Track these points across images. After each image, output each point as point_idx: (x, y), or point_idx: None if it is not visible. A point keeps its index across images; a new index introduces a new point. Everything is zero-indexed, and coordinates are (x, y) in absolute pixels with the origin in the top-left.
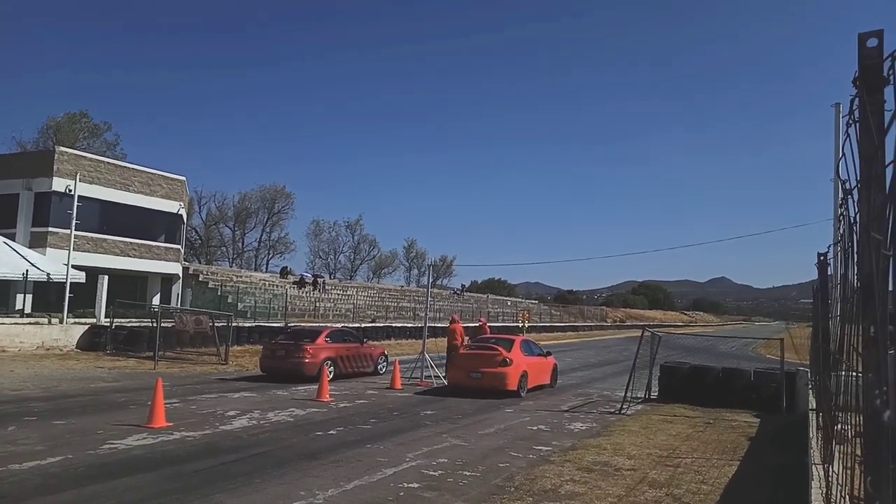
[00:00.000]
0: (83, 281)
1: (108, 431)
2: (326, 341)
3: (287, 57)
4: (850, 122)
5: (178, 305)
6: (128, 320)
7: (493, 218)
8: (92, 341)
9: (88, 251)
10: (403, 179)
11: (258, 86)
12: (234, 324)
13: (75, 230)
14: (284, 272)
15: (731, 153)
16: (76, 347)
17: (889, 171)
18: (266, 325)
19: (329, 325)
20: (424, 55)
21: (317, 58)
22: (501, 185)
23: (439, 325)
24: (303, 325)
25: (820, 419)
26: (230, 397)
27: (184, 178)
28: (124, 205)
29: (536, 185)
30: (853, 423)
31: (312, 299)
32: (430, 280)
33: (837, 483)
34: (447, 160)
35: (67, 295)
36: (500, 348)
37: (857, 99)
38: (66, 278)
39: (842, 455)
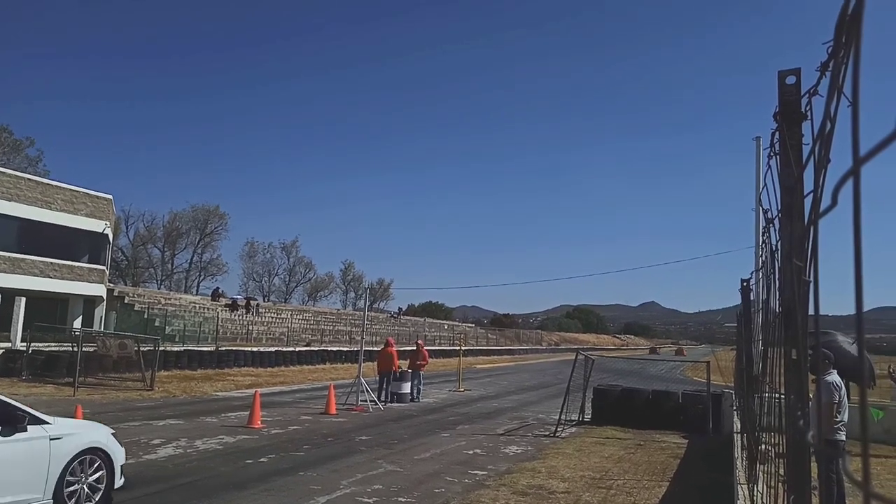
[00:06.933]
0: None
1: None
2: None
3: (223, 82)
4: (772, 154)
5: (102, 329)
6: (46, 344)
7: (431, 241)
8: (6, 367)
9: (5, 271)
10: (341, 201)
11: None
12: (161, 348)
13: None
14: (216, 294)
15: (661, 176)
16: None
17: (808, 202)
18: (196, 349)
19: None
20: (358, 78)
21: (252, 83)
22: (439, 209)
23: (376, 348)
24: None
25: (744, 440)
26: (155, 425)
27: (110, 197)
28: (45, 223)
29: (473, 209)
30: (776, 443)
31: (245, 322)
32: (368, 303)
33: (762, 501)
34: (385, 183)
35: None
36: None
37: (777, 132)
38: None
39: (765, 474)
